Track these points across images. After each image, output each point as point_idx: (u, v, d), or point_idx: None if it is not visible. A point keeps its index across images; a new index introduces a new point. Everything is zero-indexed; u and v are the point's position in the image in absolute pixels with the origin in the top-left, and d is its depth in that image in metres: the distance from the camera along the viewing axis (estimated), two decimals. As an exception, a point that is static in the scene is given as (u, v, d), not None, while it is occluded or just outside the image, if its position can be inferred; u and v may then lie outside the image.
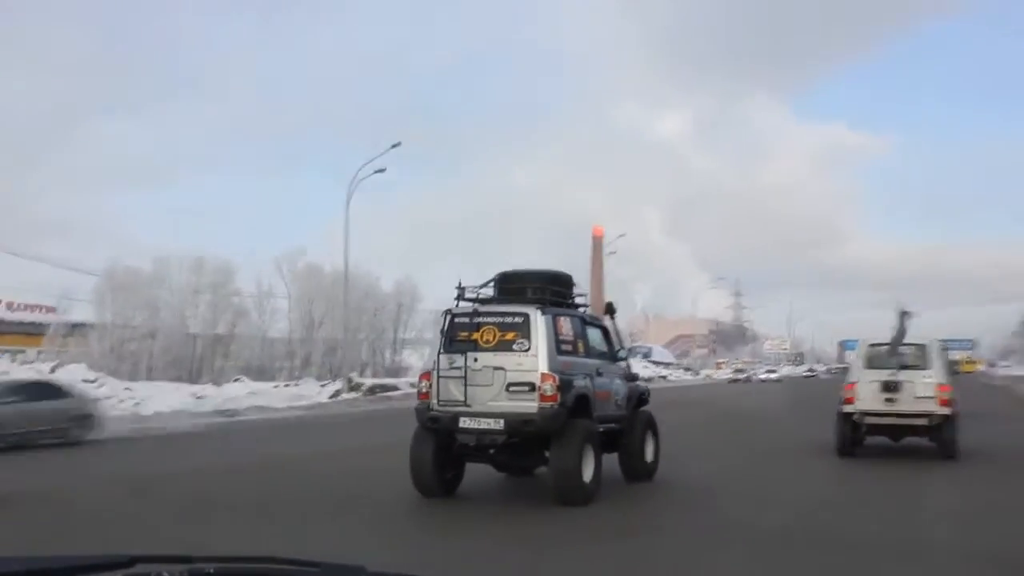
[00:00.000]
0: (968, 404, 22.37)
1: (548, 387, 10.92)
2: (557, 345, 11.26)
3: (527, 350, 11.11)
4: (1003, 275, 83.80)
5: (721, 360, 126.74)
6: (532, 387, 10.93)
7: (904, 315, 16.03)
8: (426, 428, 11.42)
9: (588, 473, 11.01)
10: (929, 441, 15.96)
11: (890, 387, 15.67)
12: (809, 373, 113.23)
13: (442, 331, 11.57)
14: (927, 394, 15.53)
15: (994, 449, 17.12)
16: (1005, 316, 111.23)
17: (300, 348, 51.54)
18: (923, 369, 15.75)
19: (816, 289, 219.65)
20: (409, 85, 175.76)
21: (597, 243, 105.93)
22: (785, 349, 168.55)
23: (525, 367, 11.04)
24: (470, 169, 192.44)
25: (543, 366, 11.04)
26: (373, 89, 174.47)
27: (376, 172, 42.05)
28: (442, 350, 11.46)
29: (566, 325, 11.67)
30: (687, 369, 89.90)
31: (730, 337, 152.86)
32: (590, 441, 11.15)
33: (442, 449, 11.50)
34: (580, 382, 11.38)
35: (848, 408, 15.92)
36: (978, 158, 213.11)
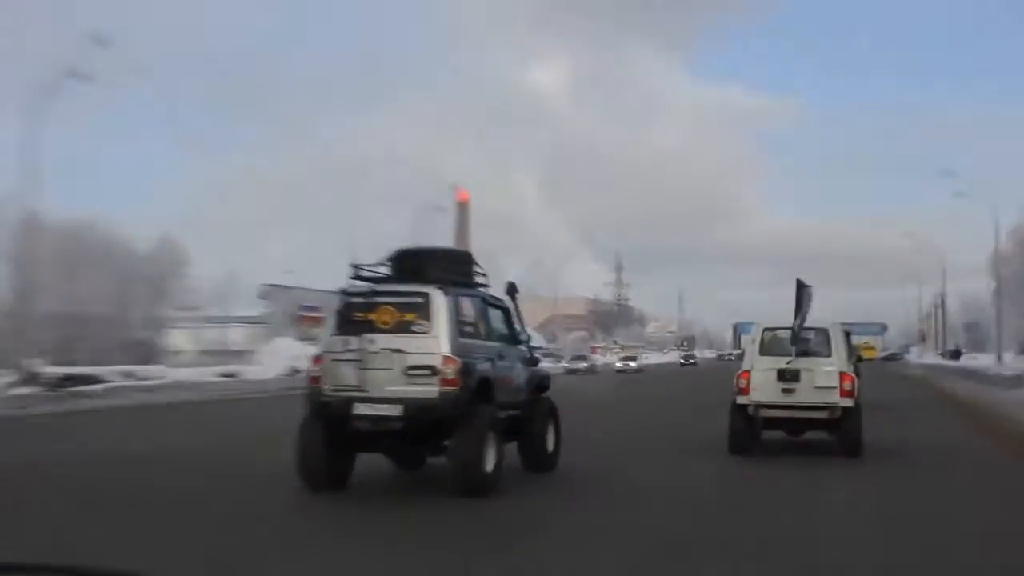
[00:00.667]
0: (877, 394, 23.39)
1: (450, 370, 11.28)
2: (459, 327, 11.67)
3: (427, 332, 11.45)
4: (914, 250, 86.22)
5: (598, 345, 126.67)
6: (433, 370, 11.27)
7: (803, 290, 15.96)
8: (316, 415, 11.63)
9: (490, 462, 11.45)
10: (830, 436, 16.11)
11: (787, 376, 15.62)
12: (687, 359, 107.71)
13: (335, 311, 11.82)
14: (828, 384, 15.60)
15: (901, 446, 17.52)
16: (918, 297, 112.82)
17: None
18: (824, 356, 15.80)
19: (710, 266, 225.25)
20: (244, 38, 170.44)
21: (463, 210, 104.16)
22: (672, 332, 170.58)
23: (425, 349, 11.37)
24: (318, 126, 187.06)
25: (444, 348, 11.39)
26: (213, 36, 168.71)
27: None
28: (335, 331, 11.70)
29: (468, 306, 12.12)
30: (579, 359, 79.20)
31: (611, 318, 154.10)
32: (493, 428, 11.59)
33: (333, 438, 11.72)
34: (482, 366, 11.83)
35: (742, 399, 15.90)
36: (890, 126, 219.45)
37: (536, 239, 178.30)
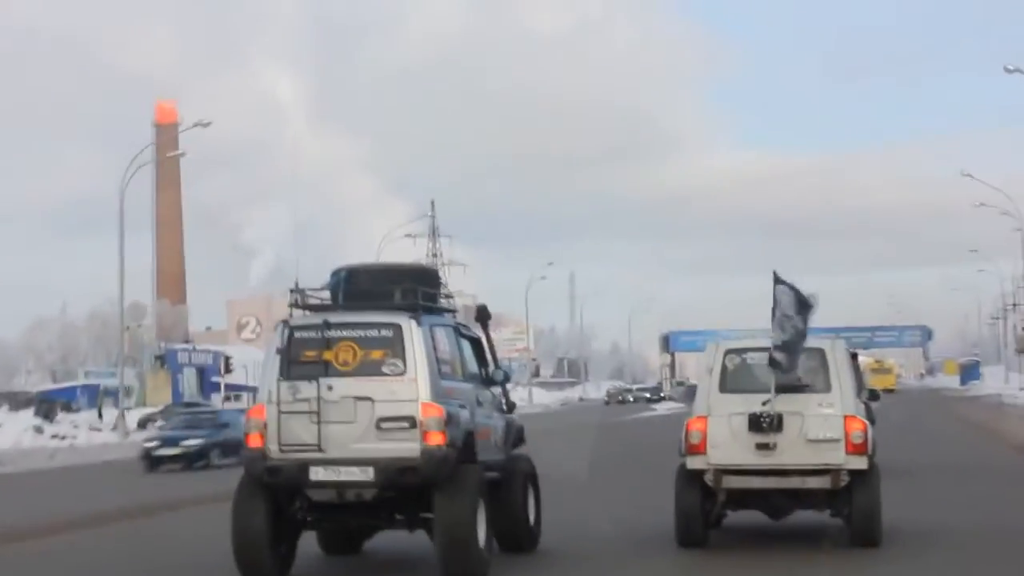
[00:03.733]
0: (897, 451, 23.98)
1: (434, 422, 13.03)
2: (438, 366, 13.41)
3: (402, 373, 13.14)
4: (977, 203, 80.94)
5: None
6: (412, 422, 12.95)
7: (784, 289, 15.37)
8: (258, 483, 13.20)
9: (483, 538, 13.32)
10: (832, 516, 15.94)
11: (765, 424, 15.04)
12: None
13: (278, 349, 13.40)
14: (827, 435, 15.07)
15: (940, 530, 17.19)
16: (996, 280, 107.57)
17: None
18: (819, 391, 15.37)
19: (613, 238, 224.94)
20: None
21: (165, 135, 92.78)
22: (521, 350, 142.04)
23: (401, 396, 13.04)
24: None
25: (425, 394, 13.09)
26: None
27: None
28: (281, 376, 13.24)
29: (443, 339, 14.08)
30: None
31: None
32: (482, 494, 13.55)
33: (279, 513, 13.35)
34: (465, 415, 13.79)
35: (695, 462, 15.38)
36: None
37: (310, 184, 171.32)
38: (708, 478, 15.21)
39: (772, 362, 15.02)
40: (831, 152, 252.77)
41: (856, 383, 16.03)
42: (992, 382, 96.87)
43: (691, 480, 15.32)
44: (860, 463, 15.01)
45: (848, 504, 15.23)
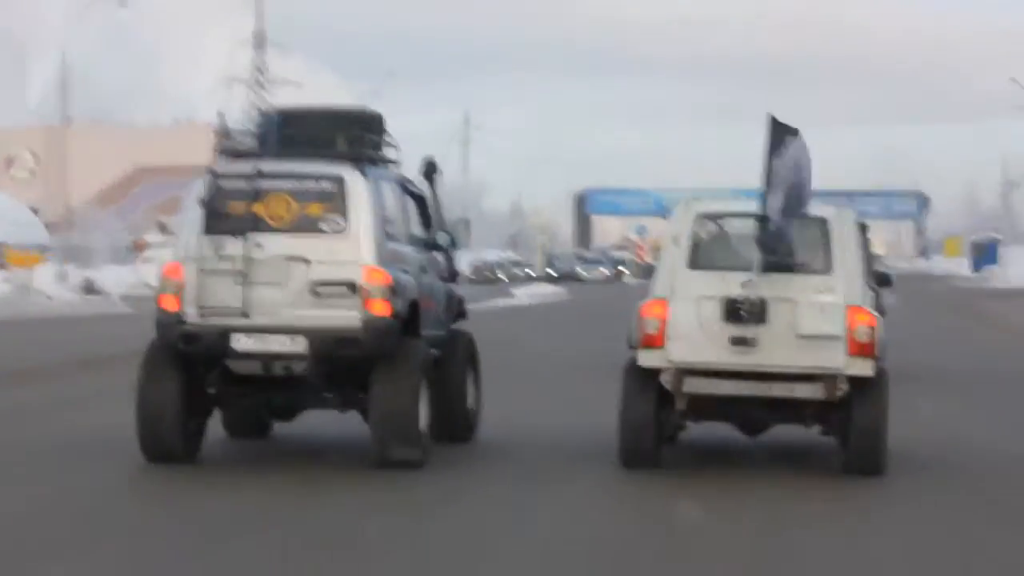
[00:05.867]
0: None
1: (378, 289, 15.26)
2: (383, 225, 15.64)
3: (343, 231, 15.31)
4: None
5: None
6: (353, 288, 15.11)
7: (784, 138, 15.62)
8: (171, 351, 15.35)
9: (424, 421, 15.60)
10: (823, 434, 16.60)
11: (744, 312, 15.45)
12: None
13: (200, 200, 15.45)
14: (824, 330, 15.42)
15: (958, 455, 17.88)
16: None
17: None
18: (817, 273, 15.87)
19: (512, 73, 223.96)
20: None
21: None
22: None
23: (341, 257, 15.25)
24: None
25: (369, 256, 15.30)
26: None
27: None
28: (202, 230, 15.34)
29: (389, 194, 16.29)
30: None
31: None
32: (426, 373, 15.82)
33: (193, 387, 15.55)
34: (410, 282, 16.01)
35: (649, 358, 15.72)
36: None
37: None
38: (666, 379, 15.47)
39: (764, 239, 15.38)
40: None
41: (865, 264, 16.61)
42: (1015, 268, 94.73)
43: (643, 381, 15.60)
44: (865, 368, 15.33)
45: (846, 420, 15.57)
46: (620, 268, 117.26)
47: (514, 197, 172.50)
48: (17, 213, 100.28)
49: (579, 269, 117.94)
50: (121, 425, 16.05)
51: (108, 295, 56.86)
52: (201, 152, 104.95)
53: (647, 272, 75.07)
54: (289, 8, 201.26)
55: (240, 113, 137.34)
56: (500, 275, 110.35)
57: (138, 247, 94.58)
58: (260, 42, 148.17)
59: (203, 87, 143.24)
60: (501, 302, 64.06)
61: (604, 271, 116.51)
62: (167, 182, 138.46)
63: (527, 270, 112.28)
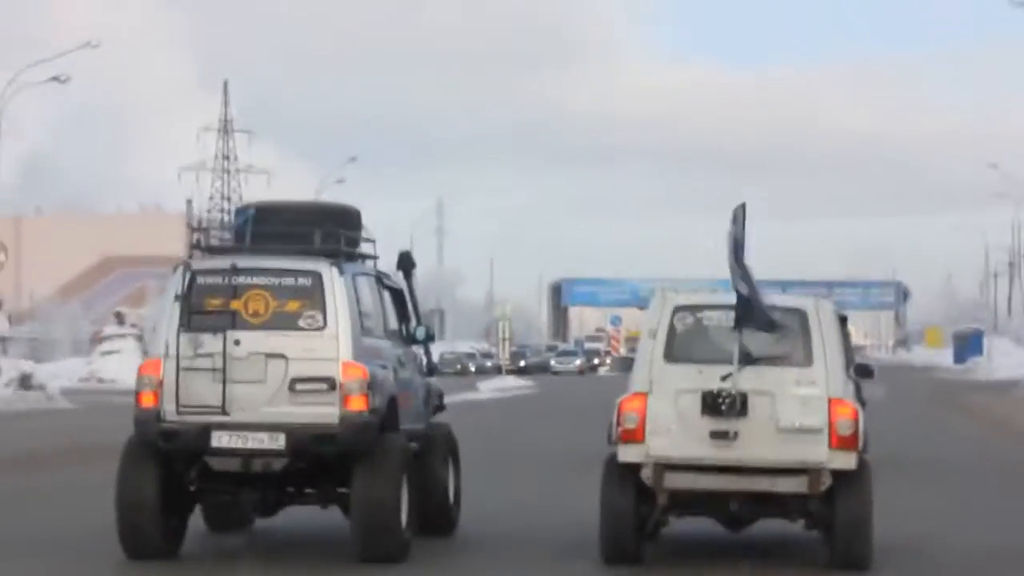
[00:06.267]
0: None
1: (355, 385, 15.62)
2: (360, 320, 15.90)
3: (321, 328, 15.67)
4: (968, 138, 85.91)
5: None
6: (331, 384, 15.49)
7: (740, 223, 15.85)
8: (149, 449, 15.68)
9: (404, 516, 15.94)
10: (807, 528, 16.55)
11: (724, 405, 15.44)
12: None
13: (177, 296, 15.79)
14: (806, 422, 15.47)
15: (944, 548, 18.01)
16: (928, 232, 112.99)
17: None
18: (796, 365, 15.93)
19: (483, 164, 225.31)
20: None
21: None
22: None
23: (319, 354, 15.59)
24: None
25: (346, 352, 15.66)
26: None
27: None
28: (181, 327, 15.62)
29: (366, 289, 16.69)
30: None
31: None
32: (406, 468, 16.16)
33: (171, 484, 15.83)
34: (388, 377, 16.43)
35: (629, 453, 15.78)
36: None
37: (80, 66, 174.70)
38: (646, 475, 15.49)
39: (741, 318, 15.45)
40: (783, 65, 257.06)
41: (846, 355, 16.34)
42: (1000, 360, 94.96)
43: (623, 477, 15.64)
44: (848, 461, 15.35)
45: (830, 514, 15.55)
46: (595, 360, 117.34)
47: (489, 287, 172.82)
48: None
49: (552, 361, 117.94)
50: (80, 523, 16.75)
51: (45, 390, 54.10)
52: (170, 241, 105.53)
53: (624, 364, 75.03)
54: (257, 94, 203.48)
55: (208, 201, 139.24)
56: (470, 366, 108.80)
57: (97, 339, 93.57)
58: (226, 128, 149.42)
59: (170, 175, 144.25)
60: (464, 396, 60.23)
61: (578, 363, 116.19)
62: (135, 273, 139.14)
63: (488, 360, 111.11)
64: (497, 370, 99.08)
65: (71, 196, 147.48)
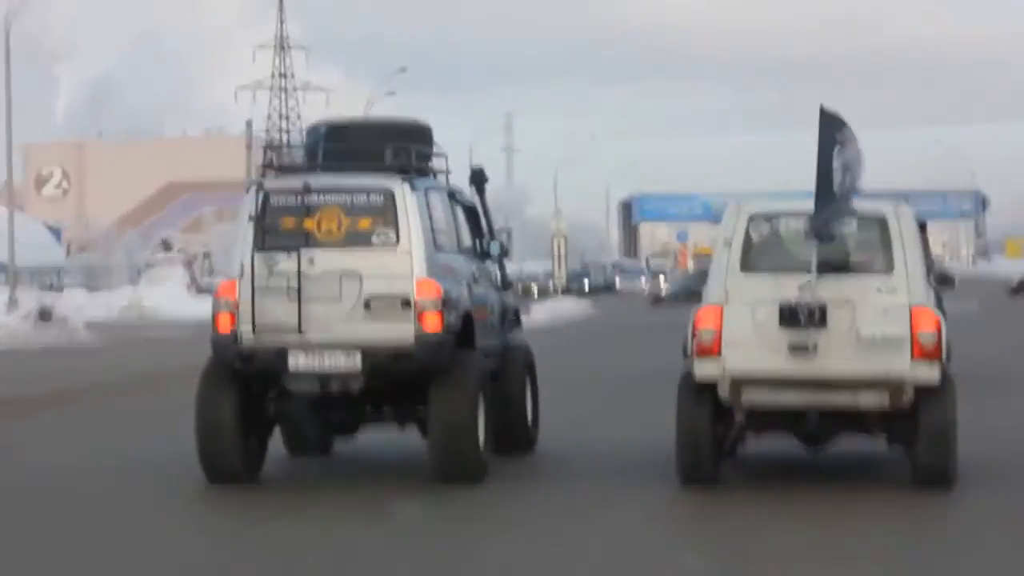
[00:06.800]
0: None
1: (430, 302, 15.69)
2: (433, 237, 16.11)
3: (394, 245, 15.80)
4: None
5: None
6: (406, 302, 15.59)
7: (834, 129, 15.67)
8: (229, 373, 15.87)
9: (482, 434, 16.08)
10: (889, 444, 16.37)
11: (801, 316, 15.26)
12: None
13: (251, 217, 15.96)
14: (887, 331, 15.23)
15: None
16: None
17: None
18: (877, 271, 15.79)
19: (551, 80, 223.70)
20: None
21: None
22: None
23: (393, 271, 15.74)
24: None
25: (420, 269, 15.77)
26: None
27: None
28: (256, 247, 15.79)
29: (439, 206, 16.70)
30: None
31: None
32: (483, 386, 16.28)
33: (250, 406, 16.05)
34: (463, 293, 16.48)
35: (704, 369, 15.63)
36: None
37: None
38: (723, 391, 15.36)
39: (816, 228, 15.20)
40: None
41: (925, 262, 16.19)
42: None
43: (699, 394, 15.48)
44: (931, 374, 15.11)
45: (913, 430, 15.33)
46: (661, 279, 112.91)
47: (558, 205, 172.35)
48: (35, 234, 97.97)
49: (618, 280, 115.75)
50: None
51: (66, 323, 52.47)
52: (233, 165, 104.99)
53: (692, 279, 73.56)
54: (315, 10, 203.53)
55: (267, 121, 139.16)
56: (532, 288, 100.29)
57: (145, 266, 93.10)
58: (283, 45, 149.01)
59: (229, 97, 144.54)
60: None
61: (644, 281, 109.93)
62: (199, 198, 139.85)
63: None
64: (555, 291, 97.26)
65: (133, 122, 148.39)
